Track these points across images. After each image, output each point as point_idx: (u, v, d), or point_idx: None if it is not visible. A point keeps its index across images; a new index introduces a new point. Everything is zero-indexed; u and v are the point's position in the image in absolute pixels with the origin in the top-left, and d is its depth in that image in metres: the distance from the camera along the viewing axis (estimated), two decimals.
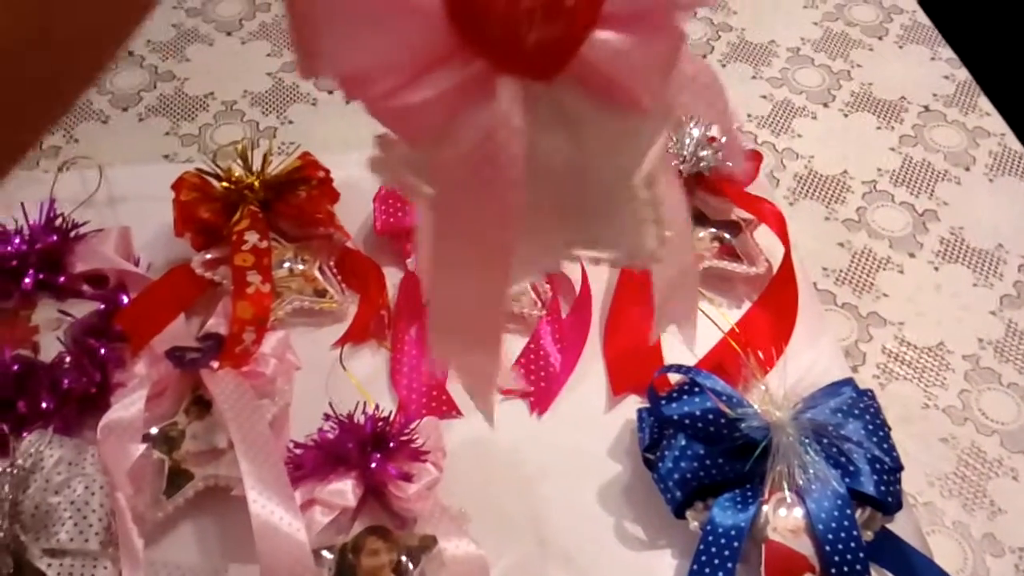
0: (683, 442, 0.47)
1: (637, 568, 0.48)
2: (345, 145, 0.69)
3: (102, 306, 0.52)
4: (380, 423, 0.48)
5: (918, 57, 0.81)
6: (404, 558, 0.45)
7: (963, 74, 0.80)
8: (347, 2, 0.19)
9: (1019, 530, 0.50)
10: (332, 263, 0.58)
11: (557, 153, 0.23)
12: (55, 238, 0.53)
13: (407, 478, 0.46)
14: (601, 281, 0.60)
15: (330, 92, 0.75)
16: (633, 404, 0.54)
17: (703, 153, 0.62)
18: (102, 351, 0.49)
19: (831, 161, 0.72)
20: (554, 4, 0.19)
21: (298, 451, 0.47)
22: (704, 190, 0.63)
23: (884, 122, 0.75)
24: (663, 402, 0.49)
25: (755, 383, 0.50)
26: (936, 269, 0.64)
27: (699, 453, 0.46)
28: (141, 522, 0.45)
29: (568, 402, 0.55)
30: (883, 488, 0.45)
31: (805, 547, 0.44)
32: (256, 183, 0.55)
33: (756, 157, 0.65)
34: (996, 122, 0.75)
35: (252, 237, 0.53)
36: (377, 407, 0.49)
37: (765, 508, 0.45)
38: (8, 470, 0.44)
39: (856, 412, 0.47)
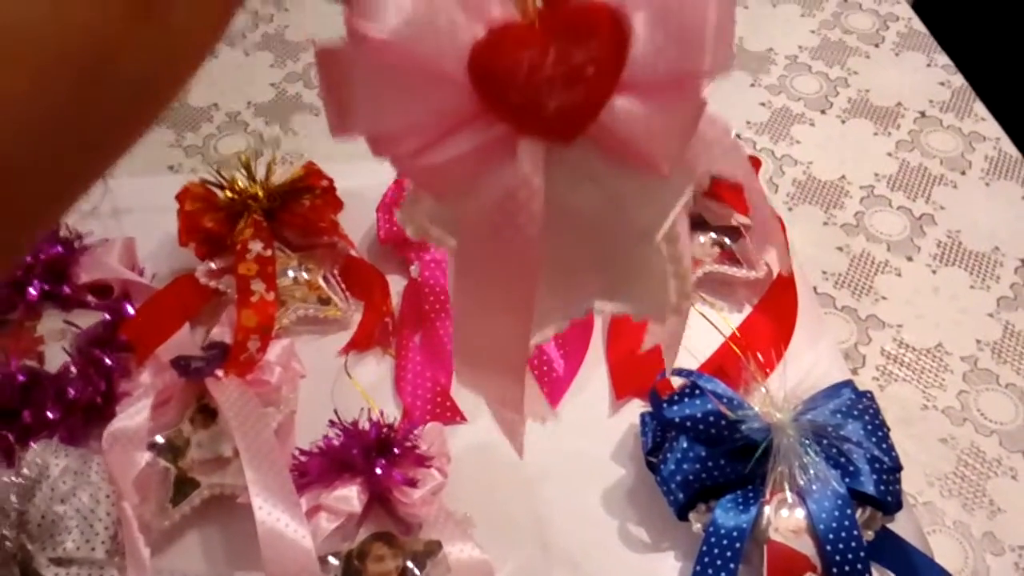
0: (685, 444, 0.47)
1: (641, 570, 0.48)
2: (348, 155, 0.69)
3: (107, 316, 0.52)
4: (385, 429, 0.48)
5: (914, 64, 0.82)
6: (410, 563, 0.46)
7: (958, 80, 0.81)
8: (379, 69, 0.20)
9: (1019, 529, 0.50)
10: (336, 271, 0.59)
11: (579, 208, 0.23)
12: (60, 249, 0.54)
13: (412, 484, 0.47)
14: None
15: None
16: (636, 408, 0.54)
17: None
18: (107, 361, 0.50)
19: (829, 167, 0.72)
20: (573, 73, 0.20)
21: (303, 458, 0.47)
22: (705, 195, 0.64)
23: (881, 128, 0.76)
24: (664, 405, 0.49)
25: (756, 386, 0.50)
26: (934, 272, 0.64)
27: (701, 455, 0.47)
28: (147, 530, 0.45)
29: (571, 406, 0.55)
30: (883, 488, 0.45)
31: (806, 547, 0.44)
32: (260, 193, 0.56)
33: (755, 163, 0.66)
34: (991, 127, 0.76)
35: (256, 246, 0.53)
36: (382, 413, 0.49)
37: (767, 509, 0.46)
38: (14, 480, 0.44)
39: (855, 413, 0.48)
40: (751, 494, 0.46)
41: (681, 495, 0.47)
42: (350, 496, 0.46)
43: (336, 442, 0.47)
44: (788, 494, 0.46)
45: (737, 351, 0.55)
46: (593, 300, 0.26)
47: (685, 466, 0.47)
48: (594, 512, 0.50)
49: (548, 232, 0.22)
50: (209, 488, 0.47)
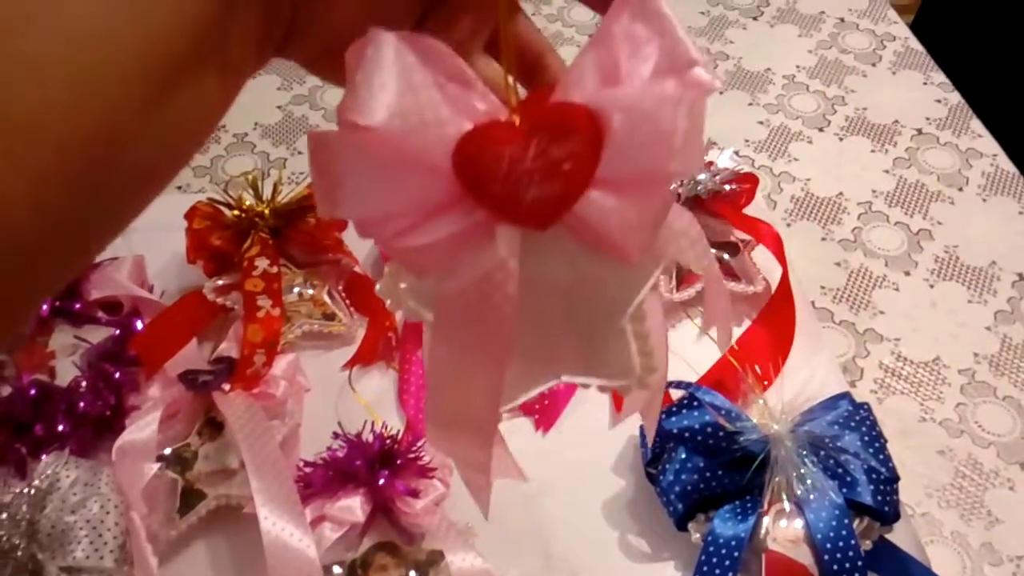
0: (683, 455, 0.48)
1: None
2: None
3: (117, 332, 0.53)
4: (388, 441, 0.49)
5: (911, 82, 0.84)
6: (412, 573, 0.46)
7: (955, 97, 0.82)
8: (367, 158, 0.22)
9: (1016, 539, 0.50)
10: (341, 288, 0.60)
11: (552, 286, 0.25)
12: None
13: (414, 494, 0.47)
14: None
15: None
16: (636, 420, 0.54)
17: (701, 177, 0.64)
18: (117, 375, 0.51)
19: (827, 184, 0.73)
20: (551, 167, 0.22)
21: (308, 469, 0.48)
22: (703, 212, 0.65)
23: (878, 145, 0.77)
24: (664, 416, 0.50)
25: (754, 398, 0.51)
26: (931, 286, 0.65)
27: (699, 466, 0.47)
28: (155, 540, 0.46)
29: (572, 419, 0.56)
30: (880, 498, 0.46)
31: (804, 556, 0.45)
32: (266, 211, 0.57)
33: (752, 180, 0.67)
34: (988, 143, 0.77)
35: (262, 263, 0.54)
36: (384, 426, 0.50)
37: (765, 519, 0.46)
38: (26, 491, 0.45)
39: (853, 424, 0.48)
40: (749, 504, 0.47)
41: (680, 505, 0.48)
42: (353, 506, 0.46)
43: (340, 453, 0.48)
44: (786, 504, 0.47)
45: (735, 364, 0.56)
46: (562, 372, 0.28)
47: (684, 477, 0.48)
48: (595, 523, 0.51)
49: (522, 307, 0.23)
50: (216, 499, 0.48)
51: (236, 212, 0.57)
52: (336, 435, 0.49)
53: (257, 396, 0.51)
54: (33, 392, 0.50)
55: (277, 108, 0.79)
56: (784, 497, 0.46)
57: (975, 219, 0.70)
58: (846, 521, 0.45)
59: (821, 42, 0.88)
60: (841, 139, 0.78)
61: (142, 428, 0.47)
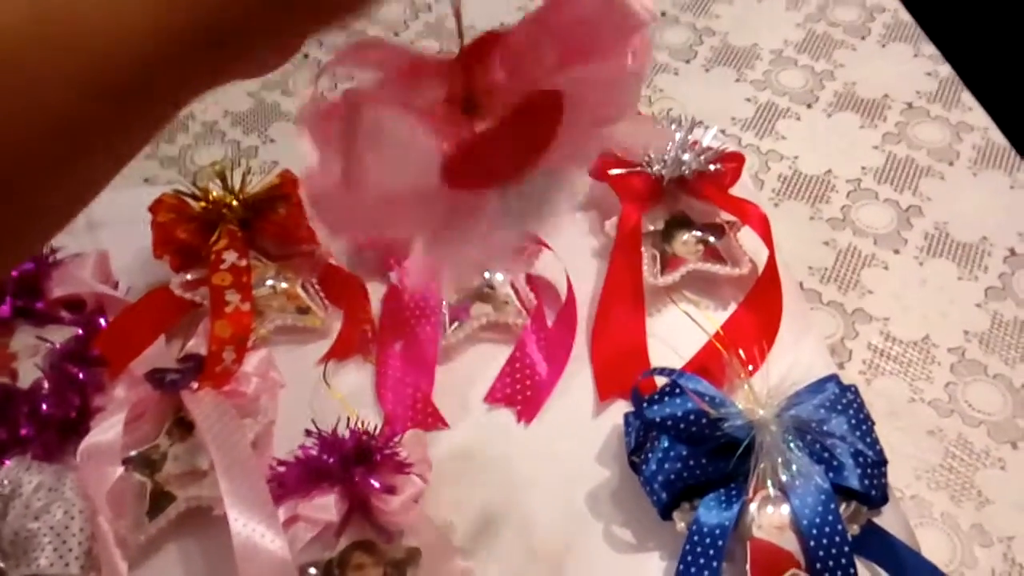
0: (666, 444, 0.47)
1: (625, 571, 0.48)
2: None
3: (80, 331, 0.52)
4: (364, 437, 0.47)
5: (900, 55, 0.82)
6: (391, 571, 0.45)
7: (946, 70, 0.80)
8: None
9: (1007, 520, 0.49)
10: (315, 280, 0.58)
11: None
12: (32, 264, 0.53)
13: (392, 491, 0.46)
14: (588, 285, 0.60)
15: None
16: (621, 409, 0.54)
17: (685, 156, 0.62)
18: (81, 376, 0.49)
19: (815, 161, 0.72)
20: (526, 150, 0.28)
21: (281, 468, 0.47)
22: (687, 193, 0.64)
23: (867, 120, 0.75)
24: (645, 405, 0.48)
25: (739, 383, 0.50)
26: (921, 264, 0.64)
27: (682, 454, 0.46)
28: (124, 545, 0.45)
29: (555, 410, 0.54)
30: (867, 482, 0.45)
31: (790, 543, 0.43)
32: (234, 202, 0.55)
33: (738, 159, 0.65)
34: (979, 116, 0.75)
35: (231, 256, 0.53)
36: (359, 421, 0.49)
37: (751, 506, 0.45)
38: None
39: (840, 408, 0.47)
40: (734, 492, 0.46)
41: (664, 495, 0.47)
42: (328, 505, 0.45)
43: (314, 451, 0.47)
44: (771, 490, 0.45)
45: (721, 349, 0.55)
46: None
47: (667, 465, 0.47)
48: (578, 514, 0.50)
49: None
50: (186, 501, 0.47)
51: (202, 204, 0.55)
52: (309, 432, 0.47)
53: (228, 394, 0.49)
54: None
55: (248, 95, 0.77)
56: (769, 483, 0.45)
57: (966, 194, 0.68)
58: (832, 506, 0.44)
59: (809, 15, 0.86)
60: (829, 115, 0.76)
61: (107, 430, 0.46)
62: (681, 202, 0.64)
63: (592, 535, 0.49)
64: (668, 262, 0.61)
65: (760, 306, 0.59)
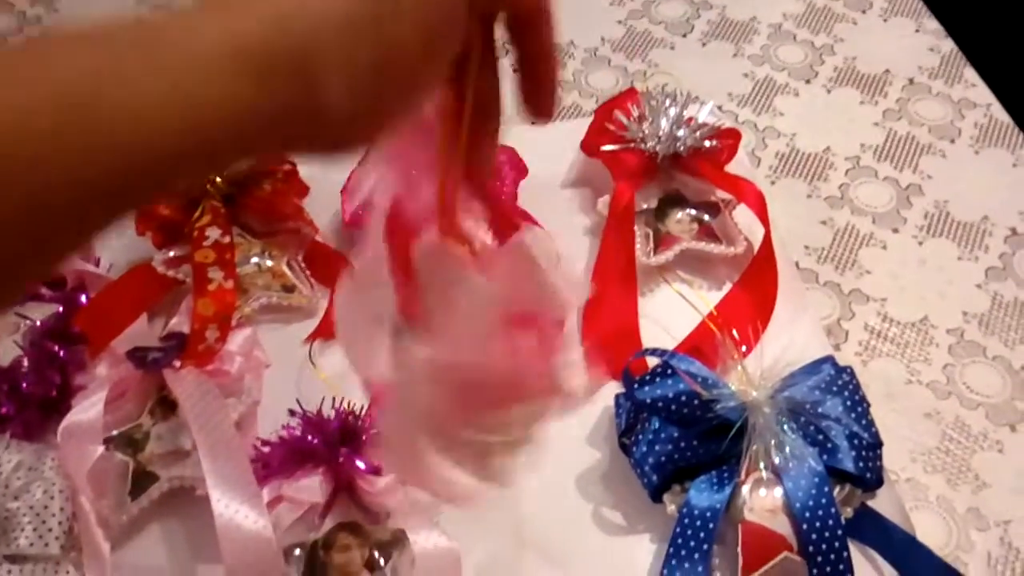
0: (656, 426, 0.46)
1: (615, 554, 0.47)
2: None
3: (60, 308, 0.51)
4: (350, 418, 0.47)
5: (902, 29, 0.80)
6: (376, 553, 0.44)
7: (948, 45, 0.78)
8: None
9: (1004, 503, 0.49)
10: (301, 257, 0.57)
11: None
12: None
13: (377, 472, 0.45)
14: (579, 264, 0.59)
15: None
16: (612, 390, 0.53)
17: (680, 133, 0.61)
18: (61, 354, 0.48)
19: (813, 138, 0.70)
20: None
21: (265, 448, 0.46)
22: (682, 171, 0.62)
23: (868, 97, 0.74)
24: (636, 386, 0.48)
25: (733, 364, 0.49)
26: (920, 244, 0.63)
27: (673, 436, 0.45)
28: (106, 525, 0.44)
29: None
30: (862, 464, 0.44)
31: (783, 526, 0.43)
32: (218, 178, 0.54)
33: (735, 136, 0.64)
34: (982, 93, 0.74)
35: (214, 233, 0.52)
36: (344, 401, 0.48)
37: (744, 489, 0.44)
38: None
39: (835, 389, 0.46)
40: (726, 474, 0.45)
41: (655, 477, 0.46)
42: (312, 486, 0.44)
43: (298, 432, 0.46)
44: (764, 473, 0.45)
45: (714, 329, 0.54)
46: None
47: (657, 448, 0.46)
48: (568, 496, 0.49)
49: None
50: (169, 481, 0.46)
51: None
52: (294, 412, 0.47)
53: (211, 373, 0.48)
54: None
55: None
56: (762, 466, 0.44)
57: (967, 172, 0.67)
58: (826, 489, 0.43)
59: None
60: (829, 91, 0.74)
61: (87, 409, 0.45)
62: (675, 180, 0.63)
63: (581, 517, 0.48)
64: (661, 241, 0.60)
65: (755, 286, 0.58)
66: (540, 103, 0.29)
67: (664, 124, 0.61)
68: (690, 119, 0.62)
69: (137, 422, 0.48)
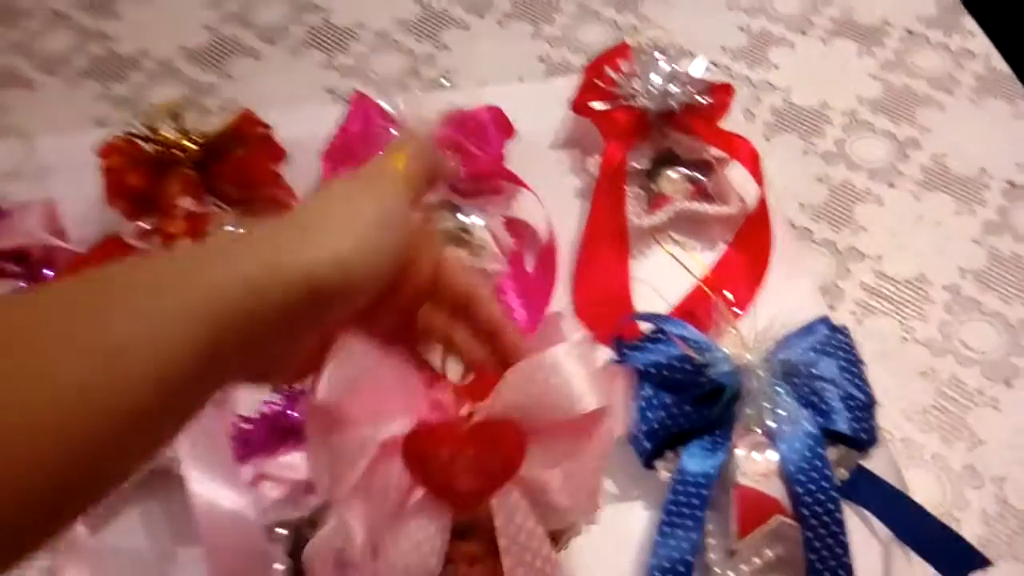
0: (649, 392, 0.45)
1: (608, 521, 0.45)
2: (292, 100, 0.65)
3: (24, 285, 0.49)
4: None
5: None
6: None
7: None
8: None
9: (999, 460, 0.48)
10: None
11: None
12: None
13: None
14: (569, 227, 0.58)
15: (273, 43, 0.71)
16: (605, 355, 0.51)
17: (672, 89, 0.59)
18: None
19: (809, 92, 0.68)
20: (481, 466, 0.31)
21: (246, 425, 0.45)
22: (675, 129, 0.60)
23: (865, 48, 0.71)
24: (628, 351, 0.46)
25: (727, 327, 0.47)
26: (917, 199, 0.61)
27: (665, 402, 0.44)
28: None
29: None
30: (856, 425, 0.43)
31: (777, 490, 0.42)
32: (188, 144, 0.52)
33: (728, 91, 0.61)
34: (981, 42, 0.71)
35: (185, 202, 0.50)
36: None
37: (737, 453, 0.43)
38: None
39: (829, 350, 0.45)
40: (719, 439, 0.44)
41: (647, 443, 0.45)
42: (295, 463, 0.43)
43: (279, 407, 0.45)
44: (758, 437, 0.44)
45: (708, 292, 0.52)
46: None
47: (649, 414, 0.45)
48: None
49: None
50: None
51: (154, 146, 0.52)
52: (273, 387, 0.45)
53: None
54: None
55: (204, 28, 0.72)
56: (756, 430, 0.43)
57: (965, 124, 0.65)
58: (820, 450, 0.42)
59: None
60: (825, 43, 0.72)
61: None
62: (668, 138, 0.61)
63: None
64: (654, 201, 0.58)
65: (749, 246, 0.56)
66: (501, 363, 0.32)
67: (656, 80, 0.59)
68: (683, 74, 0.60)
69: None
